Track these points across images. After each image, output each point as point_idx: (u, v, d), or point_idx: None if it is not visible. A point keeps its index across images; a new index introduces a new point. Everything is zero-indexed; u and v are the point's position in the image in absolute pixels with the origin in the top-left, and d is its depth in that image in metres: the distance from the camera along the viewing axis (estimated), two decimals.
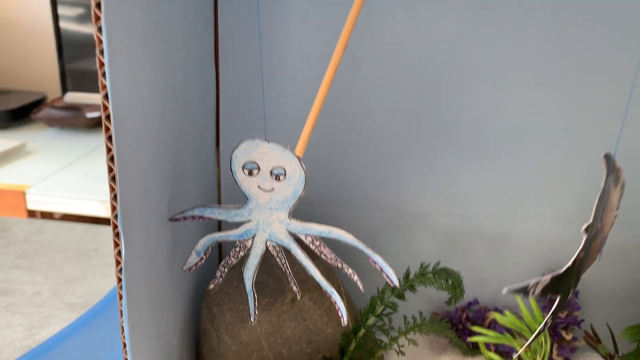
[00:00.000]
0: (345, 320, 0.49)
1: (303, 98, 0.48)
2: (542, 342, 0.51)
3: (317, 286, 0.49)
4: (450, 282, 0.58)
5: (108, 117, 0.38)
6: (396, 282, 0.45)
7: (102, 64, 0.37)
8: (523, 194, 0.62)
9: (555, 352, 0.62)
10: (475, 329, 0.53)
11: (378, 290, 0.59)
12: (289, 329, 0.55)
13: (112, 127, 0.39)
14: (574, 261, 0.46)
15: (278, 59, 0.61)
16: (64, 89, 1.55)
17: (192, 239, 0.53)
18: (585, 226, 0.46)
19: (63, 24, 1.50)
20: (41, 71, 1.66)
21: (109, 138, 0.39)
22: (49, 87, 1.65)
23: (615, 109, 0.57)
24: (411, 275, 0.58)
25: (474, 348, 0.66)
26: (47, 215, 1.30)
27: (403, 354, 0.60)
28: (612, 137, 0.55)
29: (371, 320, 0.58)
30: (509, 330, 0.62)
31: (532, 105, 0.59)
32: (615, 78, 0.57)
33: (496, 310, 0.66)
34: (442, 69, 0.59)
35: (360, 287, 0.48)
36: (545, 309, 0.64)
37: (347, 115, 0.62)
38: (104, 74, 0.37)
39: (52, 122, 1.47)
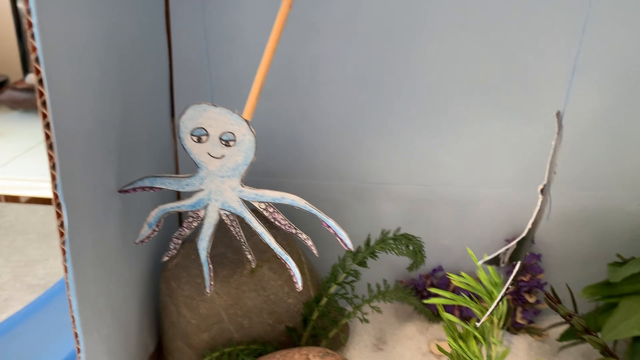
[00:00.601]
0: (299, 285, 0.48)
1: (256, 63, 0.47)
2: (500, 303, 0.51)
3: (277, 256, 0.49)
4: (411, 248, 0.58)
5: (41, 81, 0.37)
6: (350, 246, 0.44)
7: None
8: (482, 159, 0.62)
9: (519, 315, 0.63)
10: (433, 290, 0.52)
11: (339, 258, 0.59)
12: (249, 300, 0.54)
13: (46, 91, 0.37)
14: (533, 223, 0.46)
15: (228, 25, 0.59)
16: (25, 71, 1.51)
17: (148, 211, 0.52)
18: (540, 187, 0.46)
19: (21, 5, 1.46)
20: (1, 53, 1.62)
21: (43, 103, 0.38)
22: (10, 69, 1.61)
23: (563, 69, 0.57)
24: (372, 243, 0.58)
25: (439, 314, 0.67)
26: (12, 199, 1.27)
27: (367, 321, 0.60)
28: (561, 98, 0.55)
29: (333, 288, 0.58)
30: (471, 295, 0.62)
31: (487, 70, 0.58)
32: (561, 38, 0.57)
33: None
34: (399, 36, 0.58)
35: (315, 251, 0.47)
36: (509, 273, 0.65)
37: (306, 84, 0.61)
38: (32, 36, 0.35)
39: (14, 105, 1.43)
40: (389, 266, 0.68)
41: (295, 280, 0.47)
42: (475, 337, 0.46)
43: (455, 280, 0.47)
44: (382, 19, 0.58)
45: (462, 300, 0.46)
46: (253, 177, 0.60)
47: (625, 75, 0.57)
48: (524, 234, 0.45)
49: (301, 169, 0.65)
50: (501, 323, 0.47)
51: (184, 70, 0.61)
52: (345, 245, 0.43)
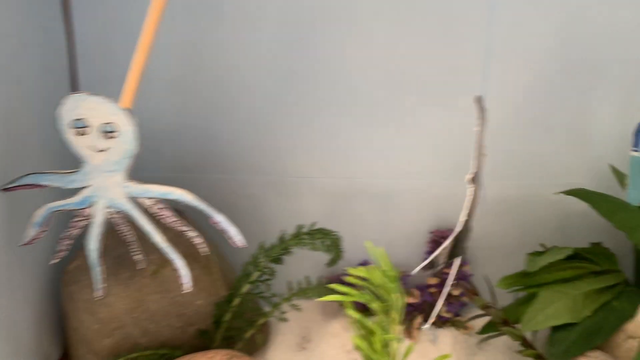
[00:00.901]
0: (187, 286, 0.46)
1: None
2: (397, 297, 0.48)
3: (187, 255, 0.46)
4: (327, 243, 0.56)
5: None
6: (240, 243, 0.42)
7: None
8: (404, 150, 0.60)
9: (444, 308, 0.61)
10: (332, 286, 0.49)
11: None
12: (152, 303, 0.51)
13: None
14: (468, 213, 0.44)
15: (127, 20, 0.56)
16: None
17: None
18: (469, 176, 0.44)
19: None
20: None
21: None
22: None
23: (477, 58, 0.56)
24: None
25: (366, 310, 0.65)
26: None
27: (285, 320, 0.57)
28: (478, 87, 0.54)
29: (246, 287, 0.55)
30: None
31: (405, 60, 0.57)
32: (472, 27, 0.55)
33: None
34: (315, 24, 0.56)
35: (203, 250, 0.45)
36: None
37: (214, 74, 0.58)
38: None
39: None
40: (314, 263, 0.65)
41: (181, 282, 0.44)
42: (373, 332, 0.44)
43: (351, 274, 0.45)
44: (295, 6, 0.56)
45: (358, 296, 0.44)
46: (166, 174, 0.58)
47: (539, 62, 0.56)
48: (458, 228, 0.43)
49: (217, 164, 0.62)
50: (400, 318, 0.45)
51: (88, 63, 0.57)
52: (235, 242, 0.41)
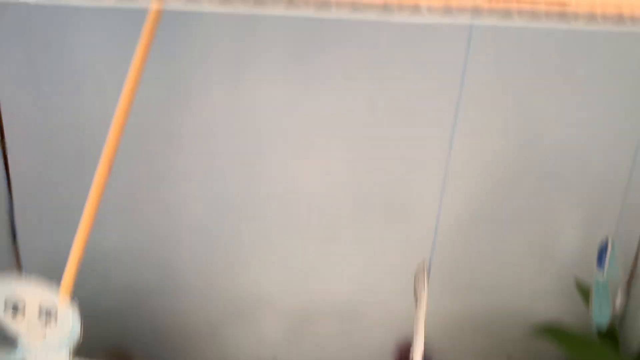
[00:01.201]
0: None
1: None
2: None
3: None
4: None
5: None
6: None
7: None
8: (367, 268, 0.59)
9: None
10: None
11: None
12: None
13: None
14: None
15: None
16: None
17: None
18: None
19: None
20: None
21: None
22: None
23: (435, 175, 0.56)
24: None
25: None
26: None
27: None
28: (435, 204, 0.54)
29: None
30: None
31: (364, 177, 0.56)
32: (434, 147, 0.54)
33: None
34: (268, 142, 0.54)
35: None
36: None
37: (166, 201, 0.55)
38: None
39: None
40: None
41: None
42: None
43: None
44: (253, 125, 0.54)
45: None
46: (117, 302, 0.54)
47: (501, 183, 0.55)
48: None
49: (171, 287, 0.58)
50: None
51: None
52: None
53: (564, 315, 0.58)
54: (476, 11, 0.25)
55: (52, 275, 0.39)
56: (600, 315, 0.50)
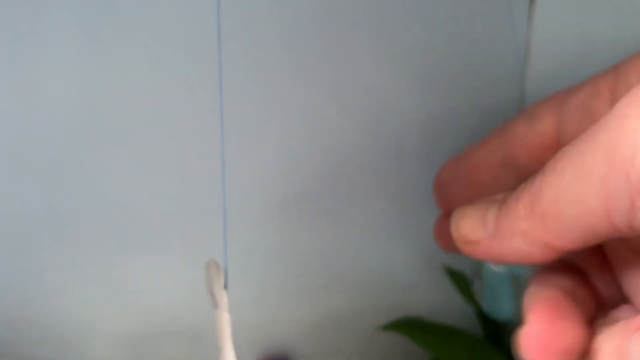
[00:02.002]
0: None
1: None
2: None
3: None
4: None
5: None
6: None
7: None
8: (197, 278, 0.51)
9: None
10: None
11: None
12: None
13: None
14: None
15: None
16: None
17: None
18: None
19: None
20: None
21: None
22: None
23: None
24: None
25: None
26: None
27: None
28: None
29: None
30: None
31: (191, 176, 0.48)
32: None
33: None
34: (64, 139, 0.45)
35: None
36: None
37: None
38: None
39: None
40: None
41: None
42: None
43: None
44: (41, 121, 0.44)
45: None
46: None
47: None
48: None
49: None
50: None
51: None
52: None
53: (447, 311, 0.52)
54: None
55: None
56: (496, 305, 0.44)
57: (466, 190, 0.31)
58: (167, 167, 0.46)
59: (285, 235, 0.49)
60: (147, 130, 0.44)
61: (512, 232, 0.18)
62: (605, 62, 0.28)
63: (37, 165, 0.44)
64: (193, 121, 0.44)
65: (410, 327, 0.43)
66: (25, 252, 0.46)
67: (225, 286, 0.31)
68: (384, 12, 0.42)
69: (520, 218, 0.18)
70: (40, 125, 0.43)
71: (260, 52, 0.43)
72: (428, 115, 0.46)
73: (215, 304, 0.32)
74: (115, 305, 0.49)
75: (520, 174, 0.25)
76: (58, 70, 0.42)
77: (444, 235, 0.31)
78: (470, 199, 0.29)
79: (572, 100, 0.23)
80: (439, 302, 0.49)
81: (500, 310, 0.42)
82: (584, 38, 0.44)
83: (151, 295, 0.50)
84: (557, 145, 0.23)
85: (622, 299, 0.22)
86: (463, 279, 0.49)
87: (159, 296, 0.49)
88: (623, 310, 0.21)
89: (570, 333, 0.20)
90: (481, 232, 0.20)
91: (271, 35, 0.42)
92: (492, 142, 0.27)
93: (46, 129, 0.43)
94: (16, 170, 0.44)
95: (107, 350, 0.50)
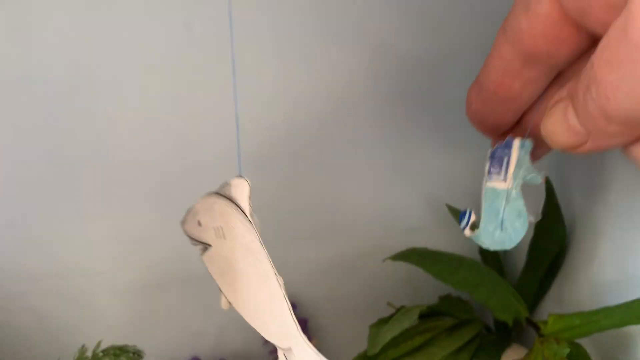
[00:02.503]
0: None
1: None
2: None
3: None
4: None
5: None
6: None
7: None
8: None
9: None
10: None
11: None
12: None
13: None
14: None
15: None
16: None
17: None
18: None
19: None
20: None
21: None
22: None
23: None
24: None
25: None
26: None
27: None
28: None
29: None
30: None
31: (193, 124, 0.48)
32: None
33: None
34: (74, 92, 0.45)
35: None
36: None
37: None
38: None
39: None
40: None
41: None
42: None
43: None
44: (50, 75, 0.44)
45: None
46: None
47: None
48: None
49: None
50: None
51: None
52: None
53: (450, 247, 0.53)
54: None
55: None
56: (488, 231, 0.41)
57: (505, 108, 0.30)
58: (171, 114, 0.46)
59: (290, 180, 0.49)
60: (147, 76, 0.44)
61: (602, 132, 0.21)
62: None
63: (37, 113, 0.44)
64: (198, 65, 0.44)
65: (420, 256, 0.44)
66: (29, 203, 0.46)
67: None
68: None
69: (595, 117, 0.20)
70: (38, 73, 0.42)
71: None
72: (425, 52, 0.46)
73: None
74: (121, 256, 0.49)
75: (546, 63, 0.25)
76: (54, 15, 0.41)
77: None
78: (515, 115, 0.29)
79: None
80: (443, 244, 0.49)
81: (509, 236, 0.40)
82: None
83: (157, 245, 0.50)
84: (565, 18, 0.23)
85: None
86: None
87: (164, 246, 0.50)
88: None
89: None
90: (575, 139, 0.23)
91: None
92: (503, 50, 0.27)
93: (44, 75, 0.42)
94: (16, 120, 0.44)
95: (114, 301, 0.50)
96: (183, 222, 0.34)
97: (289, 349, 0.30)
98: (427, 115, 0.48)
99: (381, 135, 0.48)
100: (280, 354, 0.31)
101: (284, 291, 0.30)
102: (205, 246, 0.33)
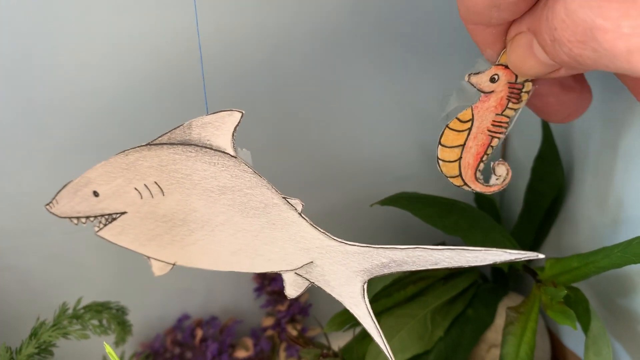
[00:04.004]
0: None
1: None
2: None
3: None
4: (105, 323, 0.43)
5: None
6: None
7: None
8: None
9: (283, 354, 0.51)
10: None
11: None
12: None
13: None
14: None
15: None
16: None
17: None
18: None
19: None
20: None
21: None
22: None
23: None
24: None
25: None
26: None
27: None
28: None
29: None
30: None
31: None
32: None
33: (209, 321, 0.53)
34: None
35: None
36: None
37: None
38: None
39: None
40: None
41: None
42: None
43: None
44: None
45: None
46: None
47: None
48: None
49: None
50: None
51: None
52: None
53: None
54: None
55: None
56: None
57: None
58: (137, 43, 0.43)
59: (276, 127, 0.47)
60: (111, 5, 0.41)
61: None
62: None
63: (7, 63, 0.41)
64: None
65: (409, 200, 0.42)
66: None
67: None
68: None
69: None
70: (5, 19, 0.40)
71: None
72: None
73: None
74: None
75: None
76: None
77: None
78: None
79: None
80: (436, 192, 0.48)
81: None
82: None
83: None
84: None
85: None
86: None
87: None
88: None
89: None
90: (547, 69, 0.24)
91: None
92: None
93: (12, 21, 0.40)
94: None
95: (96, 257, 0.48)
96: (55, 203, 0.31)
97: (310, 263, 0.29)
98: (418, 56, 0.46)
99: (369, 78, 0.46)
100: (288, 277, 0.30)
101: (299, 210, 0.29)
102: (108, 217, 0.29)
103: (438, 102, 0.30)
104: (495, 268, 0.51)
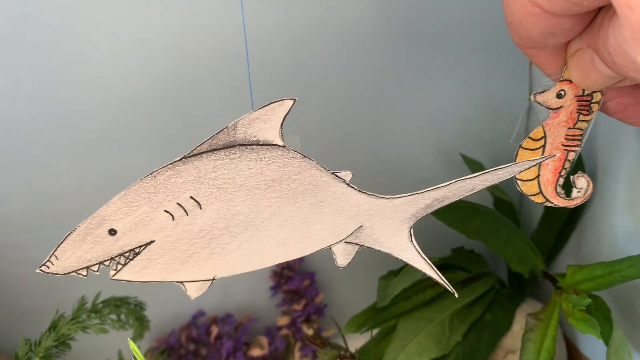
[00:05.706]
0: None
1: None
2: None
3: None
4: (123, 317, 0.43)
5: None
6: None
7: None
8: None
9: (298, 353, 0.51)
10: None
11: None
12: None
13: None
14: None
15: None
16: None
17: None
18: None
19: None
20: None
21: None
22: None
23: None
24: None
25: None
26: None
27: None
28: None
29: None
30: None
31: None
32: None
33: (225, 318, 0.53)
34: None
35: None
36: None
37: None
38: None
39: None
40: None
41: None
42: None
43: None
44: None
45: None
46: None
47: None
48: None
49: None
50: None
51: None
52: None
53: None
54: None
55: None
56: None
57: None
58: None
59: (295, 131, 0.47)
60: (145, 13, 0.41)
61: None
62: None
63: (28, 54, 0.41)
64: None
65: None
66: (22, 153, 0.44)
67: None
68: None
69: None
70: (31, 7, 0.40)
71: None
72: None
73: None
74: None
75: None
76: None
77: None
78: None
79: None
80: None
81: None
82: None
83: None
84: None
85: None
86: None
87: None
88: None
89: None
90: (611, 81, 0.24)
91: None
92: None
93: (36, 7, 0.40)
94: (8, 62, 0.41)
95: None
96: (54, 260, 0.29)
97: (359, 228, 0.29)
98: (442, 58, 0.45)
99: (391, 79, 0.45)
100: (337, 248, 0.30)
101: (348, 180, 0.29)
102: (129, 254, 0.27)
103: (508, 123, 0.31)
104: (513, 273, 0.50)
